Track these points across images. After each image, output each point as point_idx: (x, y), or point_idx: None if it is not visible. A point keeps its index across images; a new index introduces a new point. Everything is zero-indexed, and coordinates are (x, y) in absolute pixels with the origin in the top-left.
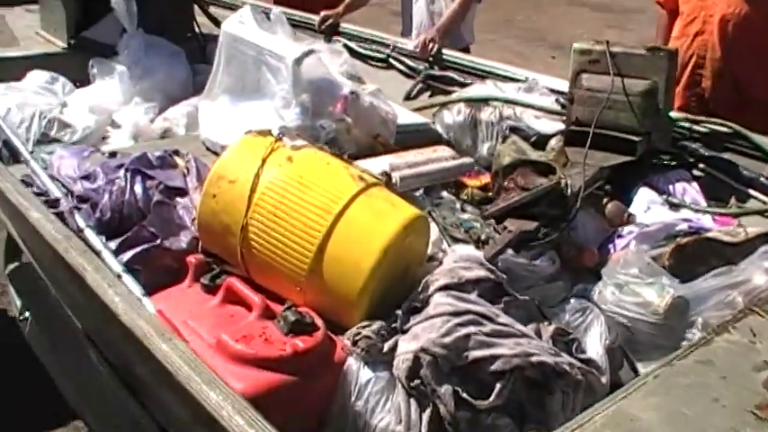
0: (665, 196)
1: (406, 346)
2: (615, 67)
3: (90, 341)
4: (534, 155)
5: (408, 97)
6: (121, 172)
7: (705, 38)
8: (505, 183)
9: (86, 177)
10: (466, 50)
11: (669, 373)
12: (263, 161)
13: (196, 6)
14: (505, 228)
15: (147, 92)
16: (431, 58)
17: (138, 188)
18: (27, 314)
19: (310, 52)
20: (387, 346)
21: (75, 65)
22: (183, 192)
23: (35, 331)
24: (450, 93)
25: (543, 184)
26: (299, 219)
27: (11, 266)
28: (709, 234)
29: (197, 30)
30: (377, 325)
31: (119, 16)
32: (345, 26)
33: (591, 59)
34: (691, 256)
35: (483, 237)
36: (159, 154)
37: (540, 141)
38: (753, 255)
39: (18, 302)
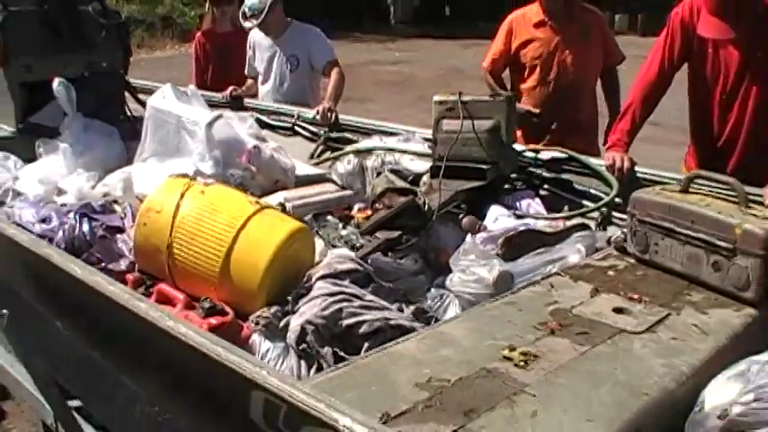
0: (512, 210)
1: (295, 321)
2: (466, 111)
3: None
4: (399, 183)
5: (312, 156)
6: (71, 215)
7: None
8: (376, 205)
9: (43, 221)
10: None
11: (480, 310)
12: (182, 195)
13: (127, 93)
14: (376, 237)
15: (88, 164)
16: (330, 123)
17: (85, 227)
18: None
19: (219, 117)
20: (282, 324)
21: (24, 145)
22: (121, 230)
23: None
24: None
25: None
26: (211, 234)
27: None
28: (532, 228)
29: (128, 113)
30: (274, 309)
31: (60, 103)
32: (253, 102)
33: (447, 107)
34: (517, 245)
35: (358, 245)
36: (101, 203)
37: (416, 178)
38: (568, 239)
39: None
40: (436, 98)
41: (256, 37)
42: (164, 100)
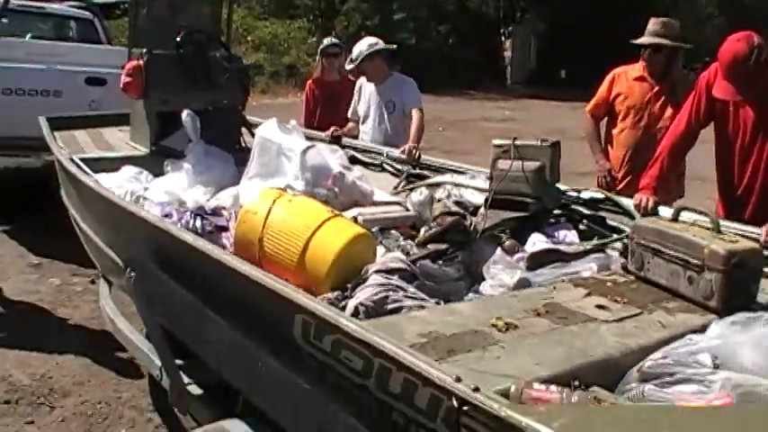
0: (550, 238)
1: (351, 303)
2: (517, 153)
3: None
4: (453, 208)
5: (395, 188)
6: (188, 214)
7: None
8: (432, 224)
9: (166, 215)
10: None
11: (489, 298)
12: (274, 201)
13: (243, 127)
14: (427, 248)
15: (206, 182)
16: (414, 161)
17: (198, 223)
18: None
19: (312, 146)
20: (341, 305)
21: (155, 163)
22: (225, 228)
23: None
24: None
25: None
26: (293, 232)
27: None
28: (551, 247)
29: (243, 144)
30: (336, 293)
31: (187, 131)
32: (350, 141)
33: (503, 150)
34: (539, 259)
35: (411, 252)
36: (213, 207)
37: (476, 209)
38: (585, 258)
39: None
40: (495, 142)
41: (364, 83)
42: (269, 130)
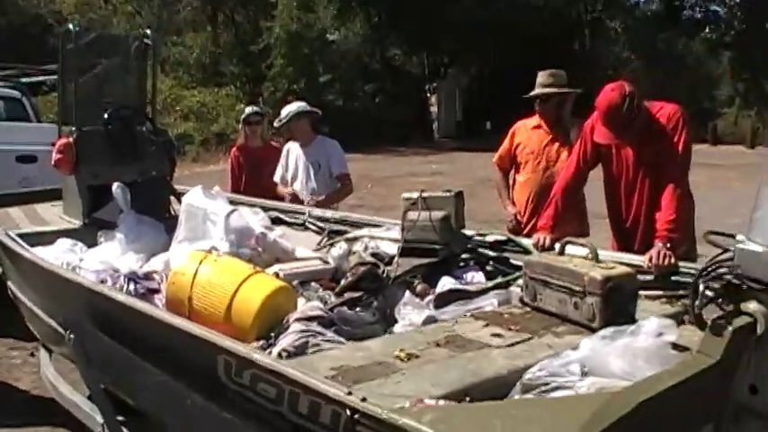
0: (459, 280)
1: (275, 350)
2: (425, 205)
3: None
4: (368, 259)
5: (318, 244)
6: (122, 278)
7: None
8: (348, 274)
9: (101, 281)
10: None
11: (396, 335)
12: (200, 261)
13: (172, 196)
14: (344, 296)
15: (138, 249)
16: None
17: (131, 287)
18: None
19: (234, 210)
20: (267, 352)
21: (88, 235)
22: (157, 291)
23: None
24: None
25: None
26: (219, 288)
27: None
28: (456, 287)
29: (172, 212)
30: (261, 342)
31: (118, 202)
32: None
33: (412, 202)
34: (446, 298)
35: (329, 301)
36: (144, 272)
37: (391, 259)
38: (487, 295)
39: None
40: (404, 195)
41: (291, 148)
42: (195, 197)
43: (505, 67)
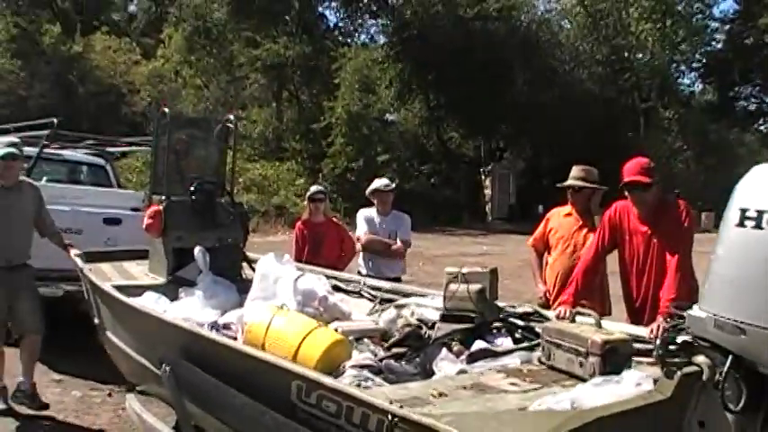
0: (491, 344)
1: None
2: (464, 279)
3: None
4: (413, 322)
5: (371, 310)
6: (206, 326)
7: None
8: (396, 333)
9: None
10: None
11: (434, 381)
12: (273, 315)
13: (244, 261)
14: (391, 351)
15: (214, 305)
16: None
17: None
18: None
19: (302, 275)
20: None
21: (171, 291)
22: (234, 339)
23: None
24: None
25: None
26: (288, 337)
27: None
28: (486, 347)
29: (243, 275)
30: None
31: (198, 264)
32: (334, 273)
33: (453, 276)
34: (477, 356)
35: (379, 354)
36: (222, 323)
37: (434, 323)
38: (512, 354)
39: None
40: (447, 270)
41: (371, 213)
42: (268, 262)
43: (559, 153)
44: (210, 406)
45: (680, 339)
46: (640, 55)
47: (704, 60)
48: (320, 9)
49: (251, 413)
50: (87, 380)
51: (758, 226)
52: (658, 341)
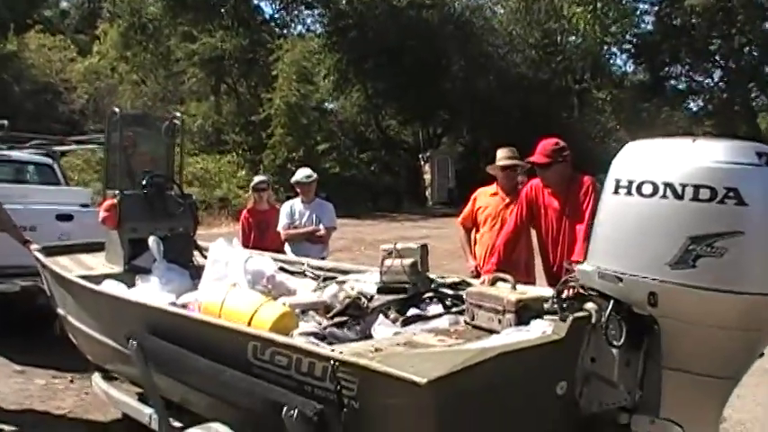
0: (423, 311)
1: None
2: (398, 254)
3: None
4: (354, 295)
5: (314, 289)
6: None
7: None
8: (338, 305)
9: None
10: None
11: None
12: (227, 292)
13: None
14: (334, 320)
15: (170, 290)
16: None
17: None
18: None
19: (251, 257)
20: None
21: (128, 279)
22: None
23: None
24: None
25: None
26: (241, 311)
27: None
28: (419, 313)
29: (194, 261)
30: None
31: (153, 253)
32: (279, 256)
33: (388, 252)
34: (410, 321)
35: (323, 324)
36: (180, 302)
37: (372, 296)
38: (442, 318)
39: None
40: (382, 247)
41: (294, 203)
42: (220, 247)
43: (497, 136)
44: (176, 372)
45: (571, 290)
46: (573, 38)
47: (635, 41)
48: (256, 1)
49: (213, 373)
50: (48, 369)
51: (629, 193)
52: (554, 292)
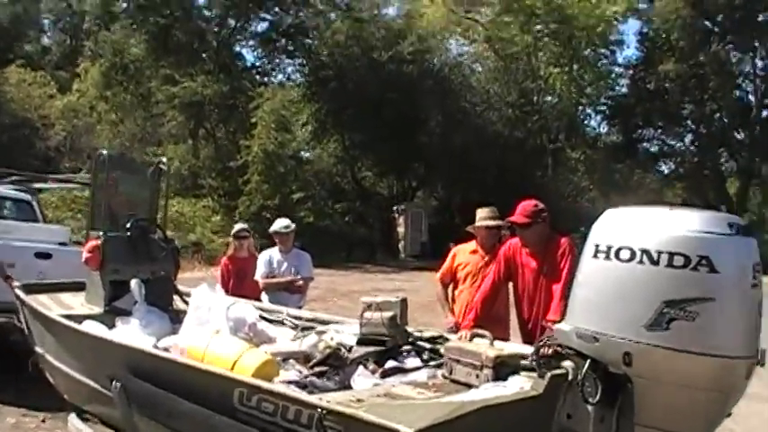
0: (401, 363)
1: None
2: (378, 308)
3: None
4: (334, 345)
5: (294, 337)
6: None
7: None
8: (318, 355)
9: None
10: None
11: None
12: (210, 338)
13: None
14: (314, 370)
15: (149, 333)
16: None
17: None
18: None
19: (234, 303)
20: None
21: (108, 320)
22: None
23: None
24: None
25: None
26: (224, 356)
27: None
28: (398, 365)
29: (174, 305)
30: None
31: (134, 295)
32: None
33: (368, 305)
34: (389, 373)
35: (303, 373)
36: (162, 346)
37: (351, 347)
38: (420, 371)
39: None
40: (362, 299)
41: (272, 252)
42: (203, 292)
43: (471, 192)
44: (160, 416)
45: (549, 348)
46: (549, 98)
47: (609, 103)
48: (238, 48)
49: (198, 418)
50: (20, 407)
51: (607, 258)
52: (533, 349)
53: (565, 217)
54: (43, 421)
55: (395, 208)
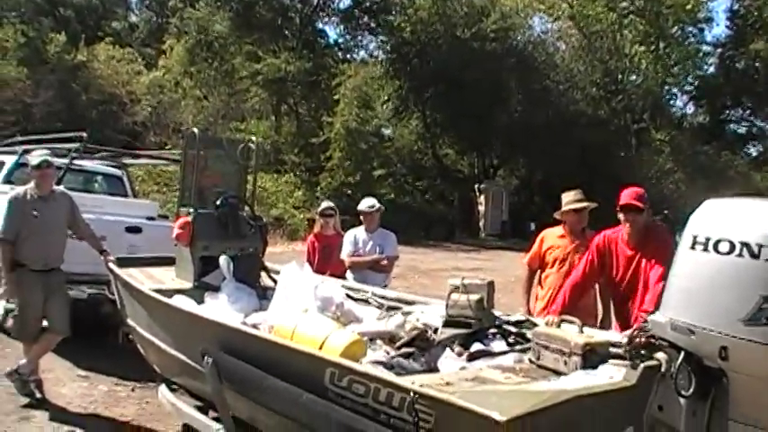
0: (487, 347)
1: None
2: (464, 289)
3: None
4: (420, 326)
5: (378, 318)
6: None
7: None
8: (404, 336)
9: None
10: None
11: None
12: (299, 316)
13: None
14: (401, 351)
15: (237, 309)
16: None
17: None
18: None
19: (321, 283)
20: None
21: (197, 295)
22: None
23: None
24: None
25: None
26: (313, 336)
27: None
28: (484, 349)
29: (261, 281)
30: None
31: (222, 271)
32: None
33: (455, 287)
34: (476, 356)
35: (390, 353)
36: (252, 323)
37: (437, 329)
38: (507, 355)
39: None
40: (449, 281)
41: (357, 232)
42: (292, 270)
43: (552, 172)
44: (250, 392)
45: (643, 339)
46: (634, 77)
47: (696, 83)
48: (320, 25)
49: (289, 395)
50: (111, 376)
51: (705, 249)
52: (626, 339)
53: (648, 199)
54: (133, 390)
55: (475, 186)
